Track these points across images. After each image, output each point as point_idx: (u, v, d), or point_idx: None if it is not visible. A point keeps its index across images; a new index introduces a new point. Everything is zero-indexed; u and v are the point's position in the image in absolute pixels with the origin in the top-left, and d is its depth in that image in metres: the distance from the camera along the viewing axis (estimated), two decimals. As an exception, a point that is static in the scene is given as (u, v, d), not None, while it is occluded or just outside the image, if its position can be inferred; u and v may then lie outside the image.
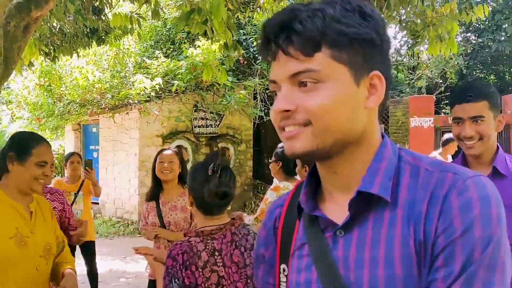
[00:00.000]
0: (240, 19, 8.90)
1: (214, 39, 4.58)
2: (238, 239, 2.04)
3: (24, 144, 2.21)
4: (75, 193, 5.14)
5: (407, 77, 15.38)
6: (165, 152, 3.71)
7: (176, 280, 1.88)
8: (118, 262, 7.76)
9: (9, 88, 12.76)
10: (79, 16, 5.24)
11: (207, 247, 1.96)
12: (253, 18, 10.30)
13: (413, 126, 11.15)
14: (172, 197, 3.63)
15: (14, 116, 12.95)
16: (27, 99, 11.75)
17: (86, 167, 5.22)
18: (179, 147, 11.47)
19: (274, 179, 3.78)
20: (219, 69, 5.44)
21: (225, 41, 4.91)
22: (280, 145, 3.80)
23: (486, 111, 2.04)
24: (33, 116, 11.72)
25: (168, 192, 3.65)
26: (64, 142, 13.49)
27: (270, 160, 3.78)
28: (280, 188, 3.51)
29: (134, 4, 5.58)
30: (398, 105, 12.31)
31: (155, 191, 3.66)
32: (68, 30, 6.60)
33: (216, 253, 1.97)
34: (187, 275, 1.90)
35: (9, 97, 12.83)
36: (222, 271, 1.95)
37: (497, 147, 2.13)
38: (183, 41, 11.77)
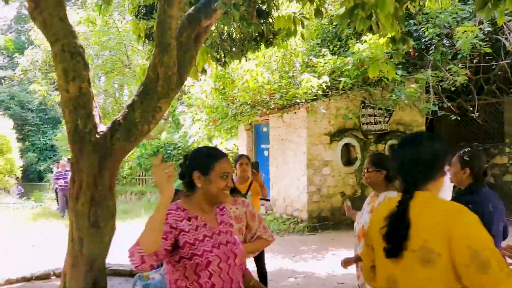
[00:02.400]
0: (409, 10, 8.36)
1: (380, 33, 4.28)
2: None
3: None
4: (244, 194, 5.29)
5: None
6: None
7: None
8: (288, 261, 7.86)
9: (189, 92, 13.91)
10: (244, 22, 5.39)
11: None
12: (424, 7, 9.63)
13: None
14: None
15: (194, 118, 14.05)
16: (205, 103, 12.66)
17: (253, 169, 5.36)
18: (346, 145, 11.29)
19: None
20: (387, 64, 5.06)
21: (392, 35, 4.60)
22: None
23: None
24: (210, 118, 12.57)
25: None
26: (237, 141, 14.22)
27: (368, 169, 3.47)
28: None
29: (299, 3, 5.55)
30: None
31: None
32: (236, 36, 6.86)
33: None
34: None
35: (189, 101, 13.97)
36: None
37: None
38: (350, 37, 11.51)
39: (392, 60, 8.34)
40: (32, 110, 31.66)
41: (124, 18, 20.11)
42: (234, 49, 7.11)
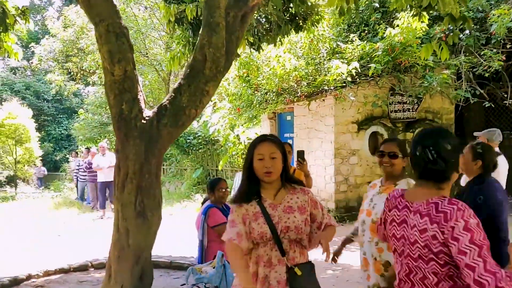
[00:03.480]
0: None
1: (443, 10, 4.01)
2: None
3: None
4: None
5: None
6: (263, 144, 2.71)
7: None
8: (320, 253, 7.63)
9: (211, 80, 13.66)
10: (286, 2, 5.13)
11: None
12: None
13: None
14: (282, 196, 2.74)
15: (215, 107, 13.82)
16: (228, 90, 12.41)
17: (299, 158, 5.07)
18: (374, 133, 11.01)
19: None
20: (440, 46, 4.79)
21: (450, 13, 4.32)
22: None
23: None
24: (233, 106, 12.33)
25: (274, 192, 2.74)
26: (260, 131, 13.99)
27: (394, 154, 3.25)
28: None
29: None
30: None
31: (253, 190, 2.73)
32: (272, 19, 6.60)
33: None
34: None
35: (211, 89, 13.72)
36: None
37: None
38: (377, 22, 11.20)
39: (423, 45, 8.07)
40: (47, 100, 31.58)
41: (142, 6, 19.87)
42: (268, 32, 6.87)
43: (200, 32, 4.21)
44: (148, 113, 4.14)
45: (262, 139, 2.73)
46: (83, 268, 6.06)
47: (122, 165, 4.06)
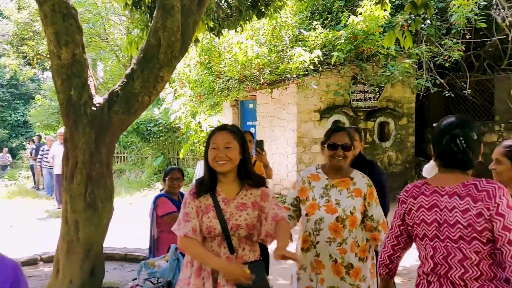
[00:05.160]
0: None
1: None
2: None
3: None
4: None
5: None
6: (219, 133, 2.57)
7: None
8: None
9: (171, 67, 13.34)
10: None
11: None
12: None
13: None
14: (237, 191, 2.60)
15: (176, 93, 13.52)
16: (189, 77, 12.14)
17: (257, 148, 4.89)
18: (336, 122, 11.00)
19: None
20: (403, 34, 4.73)
21: (412, 0, 4.26)
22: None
23: None
24: (195, 93, 12.08)
25: (229, 186, 2.60)
26: (222, 118, 13.81)
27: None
28: None
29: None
30: None
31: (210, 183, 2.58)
32: (233, 3, 6.42)
33: None
34: None
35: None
36: None
37: None
38: (340, 10, 11.14)
39: (386, 33, 8.04)
40: (2, 85, 30.40)
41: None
42: (229, 17, 6.69)
43: (154, 15, 4.01)
44: (98, 99, 3.92)
45: (220, 128, 2.60)
46: (31, 262, 5.78)
47: (71, 154, 3.84)
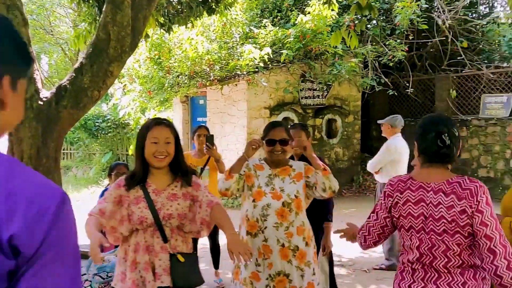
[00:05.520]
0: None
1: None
2: None
3: None
4: (201, 168, 4.96)
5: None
6: (158, 128, 2.61)
7: None
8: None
9: (120, 62, 13.12)
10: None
11: None
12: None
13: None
14: (168, 183, 2.69)
15: (125, 89, 13.32)
16: (138, 73, 12.00)
17: (207, 143, 4.92)
18: (286, 119, 11.19)
19: None
20: (349, 34, 4.91)
21: (357, 1, 4.43)
22: None
23: None
24: (144, 89, 11.96)
25: (161, 178, 2.67)
26: (172, 114, 13.73)
27: None
28: None
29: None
30: None
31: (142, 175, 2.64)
32: (184, 0, 6.43)
33: None
34: None
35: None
36: None
37: None
38: (290, 9, 11.33)
39: (333, 33, 8.29)
40: None
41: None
42: (179, 13, 6.70)
43: (103, 9, 3.99)
44: (45, 93, 3.86)
45: (157, 122, 2.63)
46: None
47: (16, 149, 3.77)
